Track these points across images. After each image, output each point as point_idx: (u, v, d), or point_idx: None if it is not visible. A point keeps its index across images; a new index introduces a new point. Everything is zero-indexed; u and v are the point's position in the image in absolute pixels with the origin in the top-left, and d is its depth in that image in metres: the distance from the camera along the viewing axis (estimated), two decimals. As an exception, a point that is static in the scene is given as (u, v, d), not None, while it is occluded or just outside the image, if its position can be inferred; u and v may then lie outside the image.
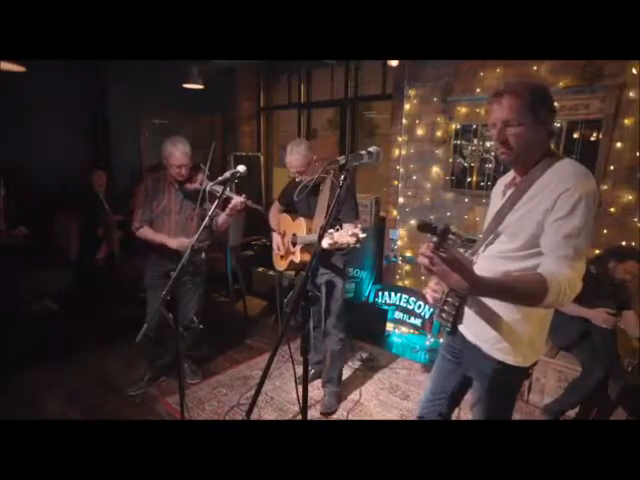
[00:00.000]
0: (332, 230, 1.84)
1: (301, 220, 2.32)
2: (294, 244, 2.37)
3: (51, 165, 3.53)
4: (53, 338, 3.05)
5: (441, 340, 3.46)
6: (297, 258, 2.33)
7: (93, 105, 4.02)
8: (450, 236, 1.04)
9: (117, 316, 3.18)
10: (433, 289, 1.43)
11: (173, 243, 2.40)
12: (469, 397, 1.53)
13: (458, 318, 1.37)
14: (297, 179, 2.34)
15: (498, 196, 1.36)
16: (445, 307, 1.39)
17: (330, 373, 2.54)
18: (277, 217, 2.57)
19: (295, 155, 2.28)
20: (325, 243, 1.84)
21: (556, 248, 1.11)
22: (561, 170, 1.15)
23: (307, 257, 2.28)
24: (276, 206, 2.64)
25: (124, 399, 2.54)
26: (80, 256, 3.67)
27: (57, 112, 3.68)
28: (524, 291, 1.10)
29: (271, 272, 4.14)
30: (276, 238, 2.51)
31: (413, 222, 3.74)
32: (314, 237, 2.12)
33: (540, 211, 1.14)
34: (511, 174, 1.34)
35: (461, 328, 1.39)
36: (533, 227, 1.16)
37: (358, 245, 1.82)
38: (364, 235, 1.82)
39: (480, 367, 1.33)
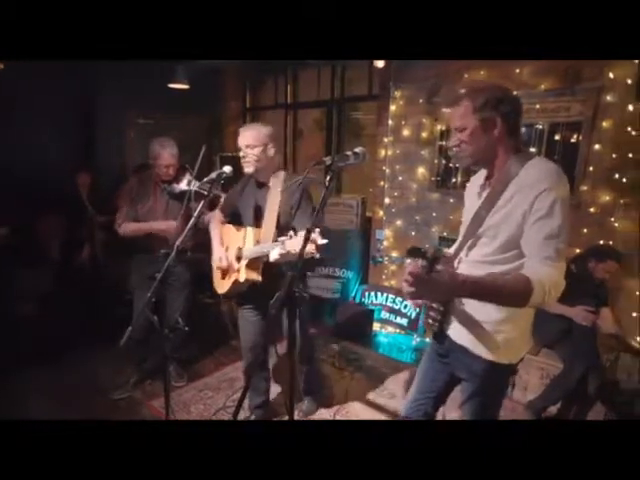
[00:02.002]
0: (284, 238, 1.57)
1: (247, 230, 1.97)
2: (239, 259, 1.98)
3: (34, 165, 3.45)
4: (33, 341, 2.98)
5: (427, 339, 3.50)
6: (242, 276, 1.93)
7: (78, 105, 3.94)
8: (440, 261, 1.06)
9: (101, 319, 3.12)
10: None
11: (161, 225, 2.40)
12: (453, 396, 1.54)
13: (445, 322, 1.38)
14: (241, 155, 1.93)
15: (474, 197, 1.36)
16: (431, 312, 1.39)
17: (309, 386, 2.46)
18: (218, 228, 2.15)
19: (250, 130, 1.92)
20: (275, 254, 1.64)
21: (539, 249, 1.13)
22: (534, 169, 1.18)
23: (254, 275, 1.90)
24: (216, 216, 2.19)
25: (109, 403, 2.49)
26: (62, 258, 3.60)
27: (40, 112, 3.60)
28: (510, 293, 1.12)
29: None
30: (217, 252, 2.05)
31: (399, 222, 3.77)
32: (266, 247, 1.80)
33: (519, 213, 1.16)
34: (483, 173, 1.36)
35: (448, 330, 1.40)
36: (512, 229, 1.18)
37: (317, 255, 1.49)
38: (325, 241, 1.48)
39: (470, 367, 1.35)
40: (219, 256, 2.03)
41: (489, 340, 1.28)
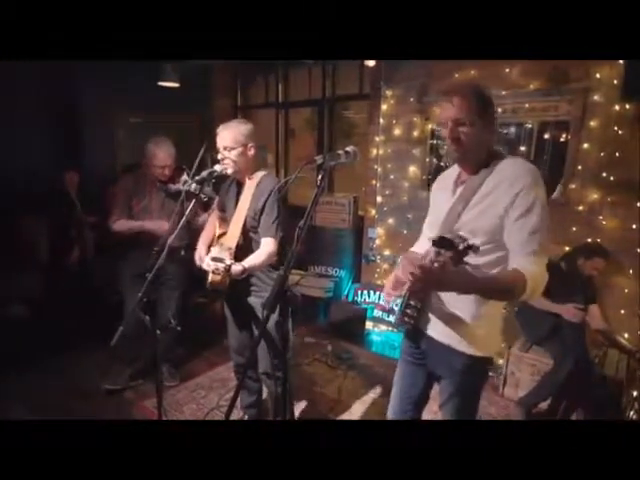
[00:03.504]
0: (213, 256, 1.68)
1: (215, 232, 1.96)
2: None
3: (21, 165, 3.41)
4: (21, 344, 2.94)
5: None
6: (209, 277, 1.79)
7: (65, 104, 3.89)
8: (470, 253, 1.04)
9: (90, 321, 3.08)
10: (391, 294, 1.42)
11: (152, 225, 2.39)
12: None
13: (420, 320, 1.37)
14: (219, 157, 1.85)
15: (446, 193, 1.36)
16: (407, 310, 1.37)
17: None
18: (213, 218, 2.10)
19: (228, 130, 1.82)
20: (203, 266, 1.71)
21: (523, 245, 1.16)
22: (511, 167, 1.21)
23: (217, 278, 1.76)
24: (216, 214, 2.10)
25: (100, 403, 2.47)
26: (51, 258, 3.55)
27: (27, 111, 3.55)
28: (507, 289, 1.15)
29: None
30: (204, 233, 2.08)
31: (391, 221, 3.78)
32: (221, 252, 1.76)
33: (500, 208, 1.18)
34: (454, 170, 1.37)
35: (427, 330, 1.39)
36: (493, 223, 1.20)
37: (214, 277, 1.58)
38: (228, 264, 1.57)
39: (450, 364, 1.35)
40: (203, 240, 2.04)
41: (469, 335, 1.30)
